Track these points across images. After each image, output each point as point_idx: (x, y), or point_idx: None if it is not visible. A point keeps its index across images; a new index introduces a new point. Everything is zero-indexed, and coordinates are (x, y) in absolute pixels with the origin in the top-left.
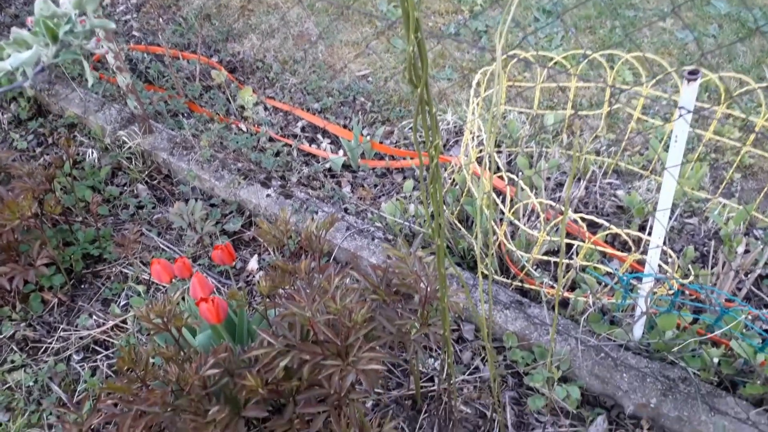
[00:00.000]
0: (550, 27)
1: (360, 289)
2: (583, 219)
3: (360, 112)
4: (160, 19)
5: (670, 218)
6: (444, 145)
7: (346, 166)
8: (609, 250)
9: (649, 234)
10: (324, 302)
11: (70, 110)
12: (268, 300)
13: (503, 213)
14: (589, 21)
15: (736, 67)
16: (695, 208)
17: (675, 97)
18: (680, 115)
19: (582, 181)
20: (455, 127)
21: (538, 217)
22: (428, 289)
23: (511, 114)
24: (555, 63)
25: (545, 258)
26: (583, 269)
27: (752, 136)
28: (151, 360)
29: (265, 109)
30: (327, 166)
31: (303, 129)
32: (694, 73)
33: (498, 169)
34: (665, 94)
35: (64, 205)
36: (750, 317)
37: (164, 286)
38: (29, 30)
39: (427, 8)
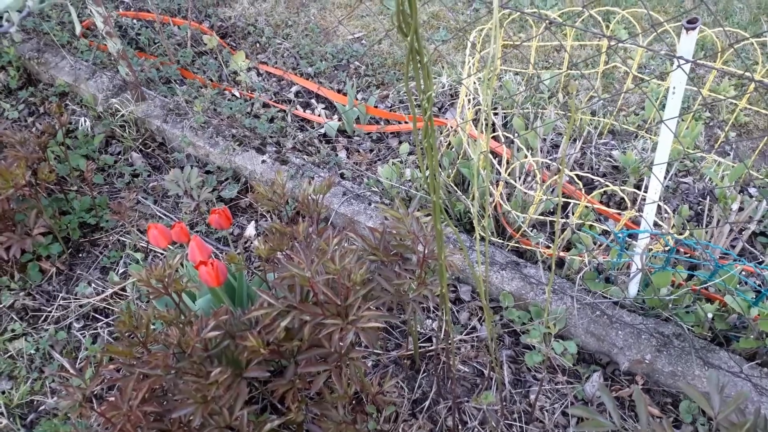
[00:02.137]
0: None
1: (358, 250)
2: (579, 177)
3: (354, 76)
4: None
5: (665, 177)
6: (439, 108)
7: (341, 131)
8: (606, 209)
9: (645, 191)
10: (323, 263)
11: (61, 78)
12: (266, 263)
13: (499, 174)
14: None
15: (732, 24)
16: (690, 167)
17: (669, 49)
18: (678, 66)
19: (578, 141)
20: (451, 89)
21: (534, 177)
22: (426, 249)
23: (506, 75)
24: (551, 23)
25: (541, 218)
26: (579, 228)
27: (747, 94)
28: (152, 324)
29: (258, 74)
30: (322, 131)
31: (297, 94)
32: (693, 21)
33: (494, 130)
34: (661, 51)
35: (58, 174)
36: (744, 272)
37: (162, 252)
38: None
39: None
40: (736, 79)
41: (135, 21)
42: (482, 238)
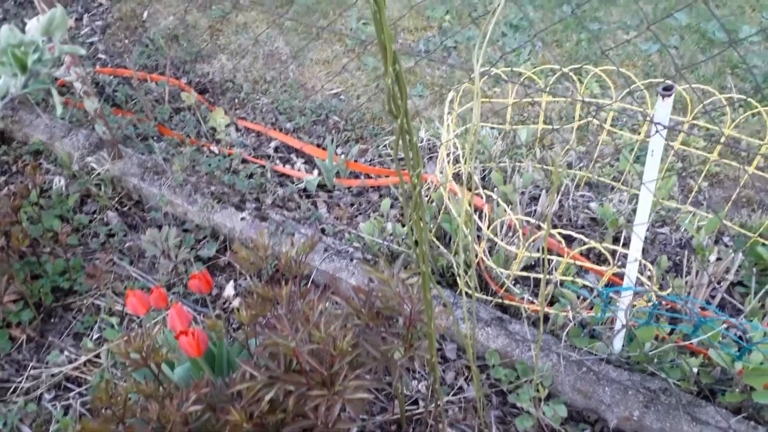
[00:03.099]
0: (517, 41)
1: (343, 314)
2: (559, 233)
3: (333, 131)
4: (126, 41)
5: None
6: None
7: (321, 186)
8: (588, 264)
9: (624, 246)
10: (308, 330)
11: (36, 137)
12: (248, 329)
13: (480, 229)
14: (555, 35)
15: (698, 77)
16: (666, 218)
17: (643, 108)
18: (656, 131)
19: (556, 195)
20: (429, 143)
21: (515, 232)
22: (412, 310)
23: (483, 129)
24: (525, 78)
25: (524, 274)
26: (561, 283)
27: (718, 147)
28: (129, 397)
29: (237, 130)
30: (302, 186)
31: (276, 149)
32: (668, 89)
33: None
34: (635, 107)
35: (31, 236)
36: (725, 325)
37: (138, 317)
38: None
39: (397, 25)
40: (704, 130)
41: (112, 78)
42: (468, 295)
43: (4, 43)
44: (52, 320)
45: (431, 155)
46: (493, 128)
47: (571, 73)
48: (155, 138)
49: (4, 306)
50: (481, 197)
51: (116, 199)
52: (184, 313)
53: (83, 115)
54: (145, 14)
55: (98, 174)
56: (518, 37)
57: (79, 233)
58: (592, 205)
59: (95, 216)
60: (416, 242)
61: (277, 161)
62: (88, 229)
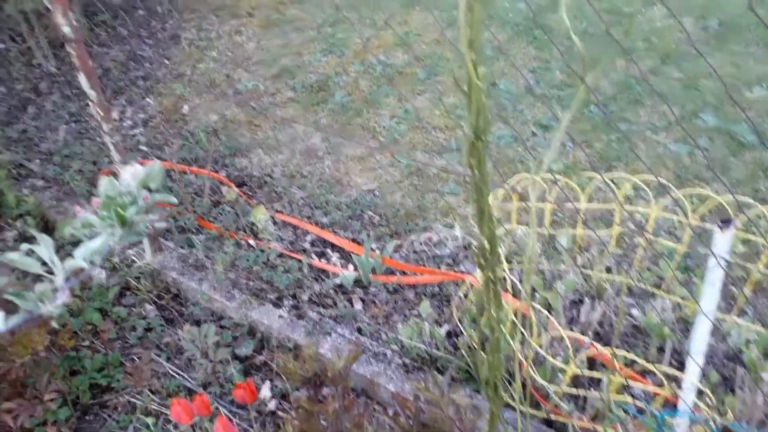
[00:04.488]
0: (547, 141)
1: None
2: (603, 344)
3: (369, 226)
4: (167, 134)
5: (690, 338)
6: (453, 260)
7: (356, 282)
8: (642, 383)
9: (667, 360)
10: None
11: None
12: None
13: (523, 334)
14: (585, 135)
15: (730, 179)
16: (711, 328)
17: (682, 218)
18: (717, 263)
19: (597, 301)
20: (464, 241)
21: (561, 341)
22: None
23: (519, 230)
24: (558, 180)
25: (573, 391)
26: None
27: (764, 258)
28: None
29: (274, 223)
30: (338, 281)
31: (312, 243)
32: (726, 221)
33: (513, 289)
34: (675, 216)
35: (71, 329)
36: None
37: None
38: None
39: (428, 123)
40: (743, 233)
41: None
42: (514, 408)
43: (103, 194)
44: (87, 417)
45: (467, 254)
46: (528, 230)
47: (607, 180)
48: (194, 231)
49: (44, 405)
50: (520, 299)
51: (155, 292)
52: (230, 427)
53: None
54: (186, 108)
55: (138, 267)
56: (548, 136)
57: (117, 326)
58: (634, 311)
59: (133, 309)
60: (487, 382)
61: (313, 255)
62: (126, 323)
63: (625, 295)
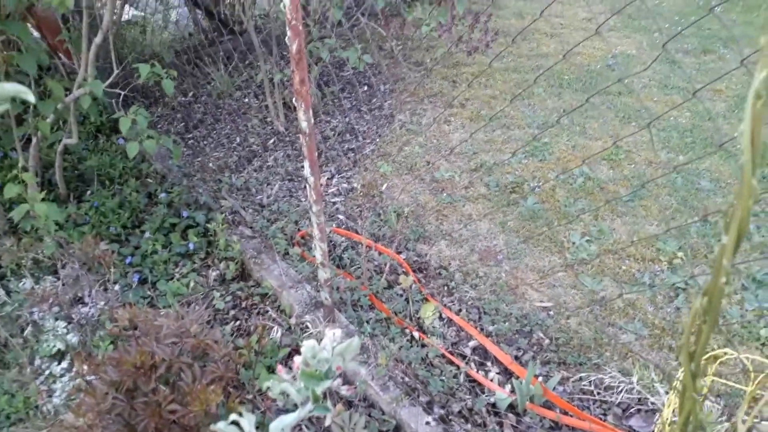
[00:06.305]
0: (759, 300)
1: None
2: None
3: (536, 347)
4: (364, 207)
5: None
6: (623, 410)
7: (511, 406)
8: None
9: None
10: None
11: (268, 281)
12: None
13: None
14: None
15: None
16: None
17: None
18: None
19: None
20: (638, 394)
21: None
22: None
23: (705, 404)
24: None
25: None
26: None
27: None
28: None
29: (440, 317)
30: (491, 400)
31: (474, 350)
32: None
33: None
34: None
35: (241, 380)
36: None
37: None
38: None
39: (622, 251)
40: None
41: (344, 239)
42: None
43: (303, 358)
44: None
45: (639, 407)
46: (717, 404)
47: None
48: (365, 308)
49: None
50: None
51: None
52: None
53: (311, 274)
54: (384, 186)
55: (310, 333)
56: (760, 294)
57: None
58: None
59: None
60: None
61: (472, 363)
62: None
63: None
